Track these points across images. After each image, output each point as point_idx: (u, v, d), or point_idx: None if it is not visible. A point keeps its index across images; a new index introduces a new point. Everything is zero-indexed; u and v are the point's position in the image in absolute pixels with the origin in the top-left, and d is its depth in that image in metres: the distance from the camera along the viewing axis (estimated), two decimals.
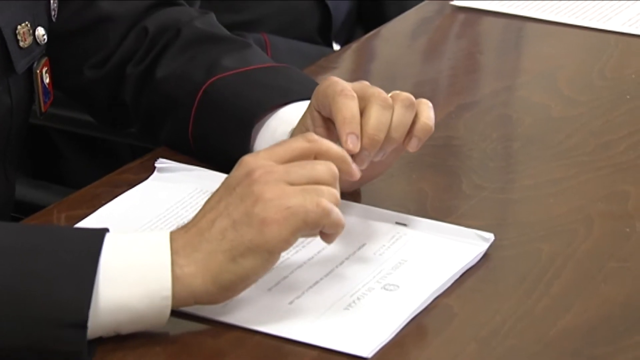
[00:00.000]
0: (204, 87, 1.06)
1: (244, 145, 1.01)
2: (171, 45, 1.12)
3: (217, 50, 1.10)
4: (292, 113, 0.99)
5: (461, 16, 1.41)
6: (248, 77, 1.06)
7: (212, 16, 1.19)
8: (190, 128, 1.06)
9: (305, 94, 0.99)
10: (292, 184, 0.78)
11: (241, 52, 1.10)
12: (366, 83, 0.91)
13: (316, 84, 0.97)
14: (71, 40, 1.14)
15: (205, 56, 1.09)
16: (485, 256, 0.86)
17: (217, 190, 0.80)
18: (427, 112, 0.91)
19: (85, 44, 1.16)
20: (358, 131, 0.87)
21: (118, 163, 1.17)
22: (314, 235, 0.79)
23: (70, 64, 1.14)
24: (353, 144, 0.86)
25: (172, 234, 0.78)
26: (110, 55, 1.15)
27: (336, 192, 0.79)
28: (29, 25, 1.08)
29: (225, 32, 1.15)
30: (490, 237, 0.87)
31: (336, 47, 1.64)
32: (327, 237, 0.79)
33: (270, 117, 1.01)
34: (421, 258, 0.86)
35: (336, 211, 0.77)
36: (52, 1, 1.12)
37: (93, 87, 1.16)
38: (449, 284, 0.83)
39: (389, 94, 0.89)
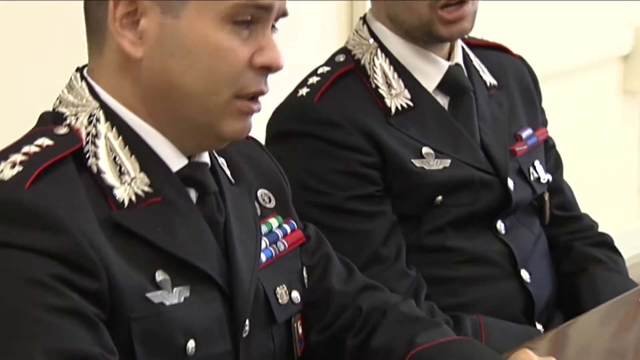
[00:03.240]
0: (407, 358, 1.33)
1: None
2: (380, 323, 1.40)
3: (415, 328, 1.37)
4: None
5: None
6: (441, 347, 1.33)
7: (412, 301, 1.47)
8: None
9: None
10: None
11: (434, 330, 1.37)
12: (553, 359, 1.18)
13: (495, 354, 1.28)
14: (304, 305, 1.40)
15: (406, 333, 1.37)
16: None
17: None
18: None
19: (313, 312, 1.41)
20: None
21: None
22: None
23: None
24: None
25: None
26: (330, 325, 1.41)
27: None
28: (285, 288, 1.35)
29: (421, 314, 1.44)
30: None
31: (539, 326, 1.80)
32: None
33: None
34: None
35: None
36: (304, 272, 1.41)
37: (315, 348, 1.42)
38: None
39: None
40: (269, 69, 1.25)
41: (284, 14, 1.28)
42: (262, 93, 1.27)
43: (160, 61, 1.23)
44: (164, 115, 1.25)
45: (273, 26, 1.28)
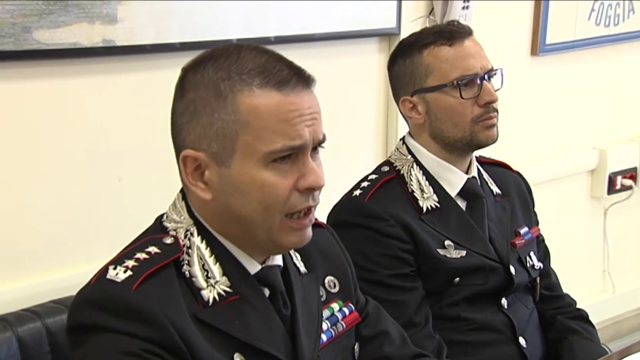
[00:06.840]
0: None
1: None
2: None
3: None
4: None
5: None
6: None
7: None
8: None
9: None
10: None
11: None
12: None
13: None
14: None
15: None
16: None
17: None
18: None
19: None
20: None
21: None
22: None
23: None
24: None
25: None
26: None
27: None
28: None
29: None
30: None
31: None
32: None
33: None
34: None
35: None
36: (355, 347, 1.58)
37: None
38: None
39: None
40: (312, 189, 1.36)
41: (320, 142, 1.37)
42: (310, 208, 1.38)
43: (224, 200, 1.36)
44: (235, 235, 1.40)
45: (315, 148, 1.37)
